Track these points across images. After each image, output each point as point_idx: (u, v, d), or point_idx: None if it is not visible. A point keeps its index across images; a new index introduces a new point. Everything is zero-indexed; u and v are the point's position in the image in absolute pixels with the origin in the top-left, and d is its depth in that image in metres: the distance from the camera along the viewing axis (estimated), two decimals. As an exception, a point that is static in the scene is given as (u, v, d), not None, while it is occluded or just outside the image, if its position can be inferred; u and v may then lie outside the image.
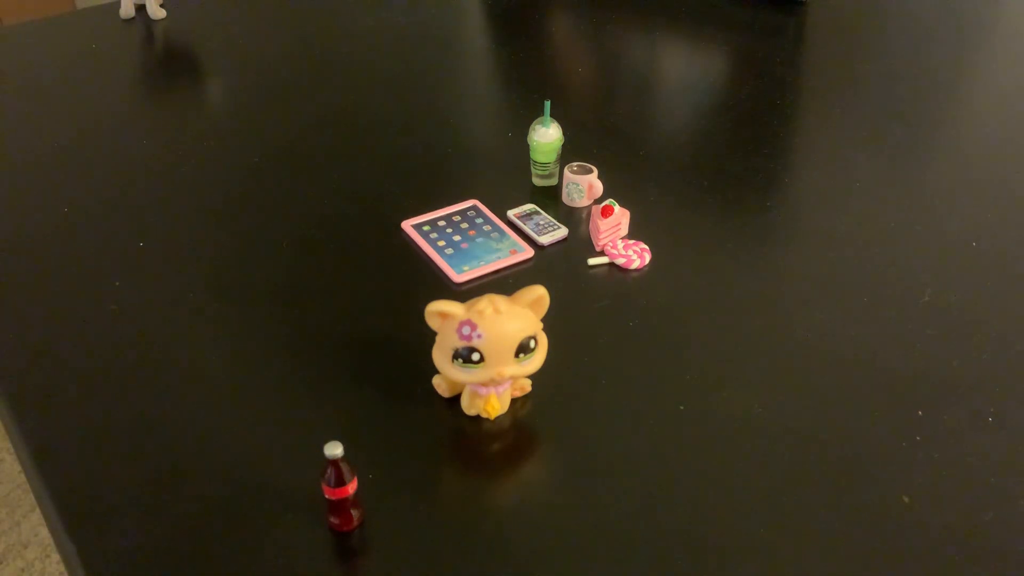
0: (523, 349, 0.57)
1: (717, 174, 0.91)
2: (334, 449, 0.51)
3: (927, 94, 1.08)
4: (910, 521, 0.55)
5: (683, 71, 1.14)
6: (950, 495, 0.57)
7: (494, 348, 0.56)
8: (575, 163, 0.84)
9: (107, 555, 0.53)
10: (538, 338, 0.59)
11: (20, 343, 0.69)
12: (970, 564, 0.53)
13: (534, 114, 0.90)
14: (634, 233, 0.81)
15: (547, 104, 0.84)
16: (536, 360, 0.59)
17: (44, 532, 1.70)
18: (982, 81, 1.13)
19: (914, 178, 0.91)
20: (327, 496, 0.52)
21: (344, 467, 0.51)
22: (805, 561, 0.52)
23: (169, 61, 1.16)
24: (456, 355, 0.57)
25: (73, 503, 0.56)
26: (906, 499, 0.56)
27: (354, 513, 0.54)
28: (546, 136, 0.84)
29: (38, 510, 1.66)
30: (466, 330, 0.56)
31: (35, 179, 0.90)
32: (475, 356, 0.56)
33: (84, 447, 0.60)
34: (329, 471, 0.51)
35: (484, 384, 0.59)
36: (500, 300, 0.57)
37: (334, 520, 0.54)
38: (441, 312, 0.57)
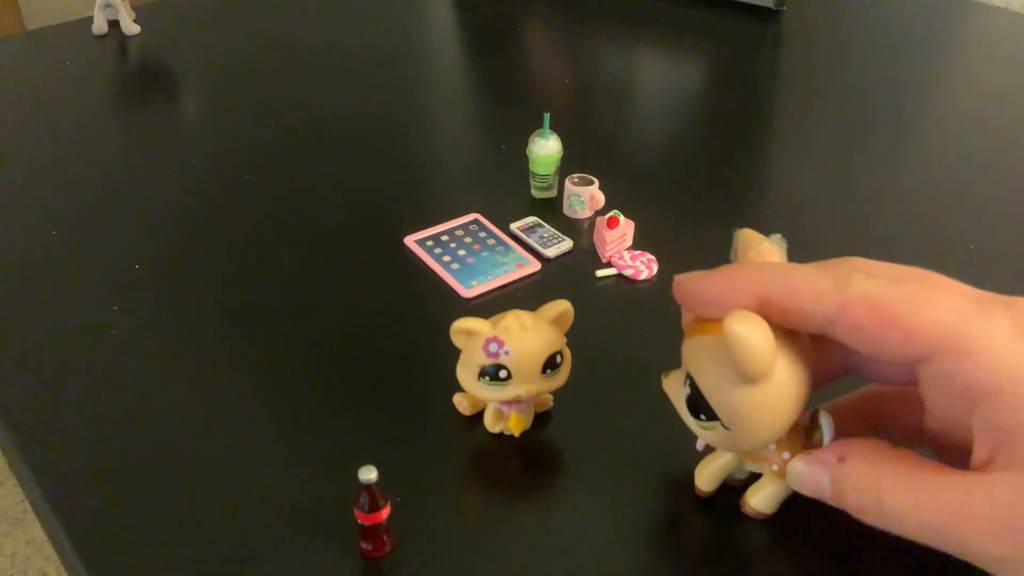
0: (550, 364, 0.57)
1: (713, 183, 0.91)
2: (368, 474, 0.49)
3: (912, 99, 1.10)
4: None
5: (669, 81, 1.14)
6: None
7: (521, 365, 0.56)
8: (576, 175, 0.84)
9: (129, 590, 0.51)
10: (564, 353, 0.58)
11: (21, 373, 0.66)
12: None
13: (525, 126, 0.90)
14: (638, 244, 0.80)
15: (547, 116, 0.84)
16: (562, 375, 0.58)
17: (6, 562, 1.64)
18: (964, 85, 1.15)
19: (908, 183, 0.92)
20: (360, 522, 0.51)
21: (378, 492, 0.50)
22: (838, 567, 0.52)
23: (147, 77, 1.14)
24: (483, 373, 0.56)
25: (91, 538, 0.54)
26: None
27: (386, 539, 0.52)
28: (546, 148, 0.84)
29: (11, 535, 1.61)
30: (493, 347, 0.55)
31: (18, 201, 0.87)
32: (502, 373, 0.55)
33: (96, 480, 0.58)
34: (363, 496, 0.50)
35: (510, 402, 0.58)
36: (526, 316, 0.56)
37: (366, 546, 0.52)
38: (466, 329, 0.56)
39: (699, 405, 0.48)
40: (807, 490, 0.48)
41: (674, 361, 0.68)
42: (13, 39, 1.27)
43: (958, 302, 0.41)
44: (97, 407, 0.63)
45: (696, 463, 0.59)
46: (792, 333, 0.46)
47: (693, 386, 0.48)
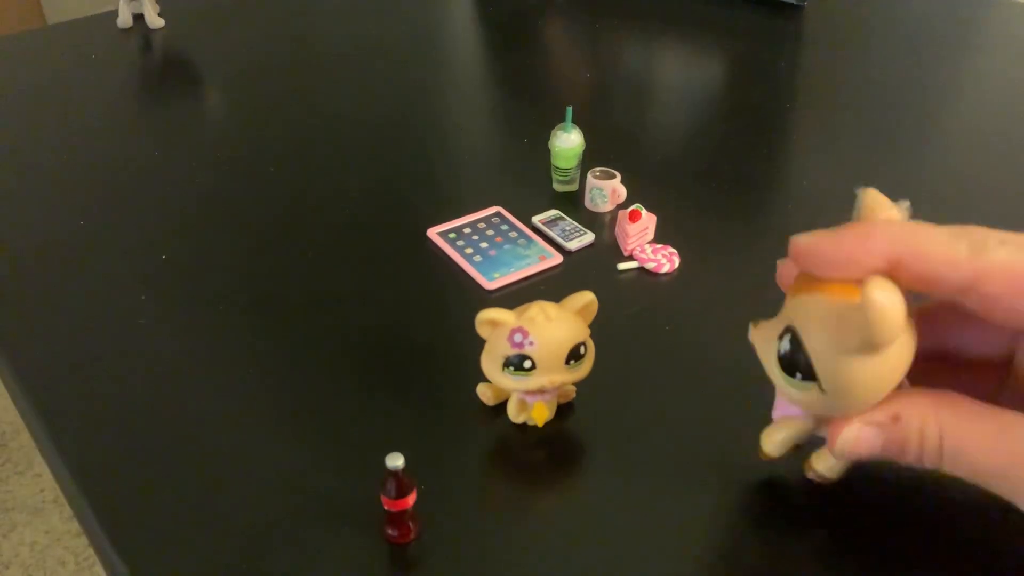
0: (574, 355, 0.57)
1: (736, 178, 0.91)
2: (395, 460, 0.50)
3: (936, 95, 1.10)
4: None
5: (690, 76, 1.14)
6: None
7: (546, 355, 0.56)
8: (597, 168, 0.84)
9: (157, 567, 0.52)
10: (587, 344, 0.58)
11: (50, 362, 0.67)
12: None
13: (546, 120, 0.90)
14: (659, 238, 0.81)
15: (569, 110, 0.84)
16: (585, 366, 0.59)
17: (25, 551, 1.66)
18: (988, 81, 1.15)
19: (931, 179, 0.92)
20: (386, 508, 0.51)
21: (404, 478, 0.51)
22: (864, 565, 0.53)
23: (172, 70, 1.15)
24: (507, 363, 0.56)
25: (121, 524, 0.55)
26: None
27: (412, 525, 0.53)
28: (568, 142, 0.84)
29: (18, 529, 1.63)
30: (518, 337, 0.56)
31: (46, 193, 0.88)
32: (527, 364, 0.56)
33: (126, 466, 0.59)
34: (389, 482, 0.51)
35: (533, 392, 0.58)
36: (550, 307, 0.57)
37: (392, 532, 0.53)
38: (492, 320, 0.56)
39: (798, 363, 0.46)
40: (861, 455, 0.46)
41: (695, 353, 0.68)
42: (38, 32, 1.28)
43: None
44: (125, 395, 0.64)
45: (720, 457, 0.59)
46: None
47: (795, 343, 0.45)
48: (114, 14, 1.24)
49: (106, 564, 0.54)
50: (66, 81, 1.11)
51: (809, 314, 0.45)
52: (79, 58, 1.17)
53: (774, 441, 0.53)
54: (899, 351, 0.44)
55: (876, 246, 0.43)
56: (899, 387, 0.47)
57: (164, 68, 1.16)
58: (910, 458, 0.45)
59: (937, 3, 1.38)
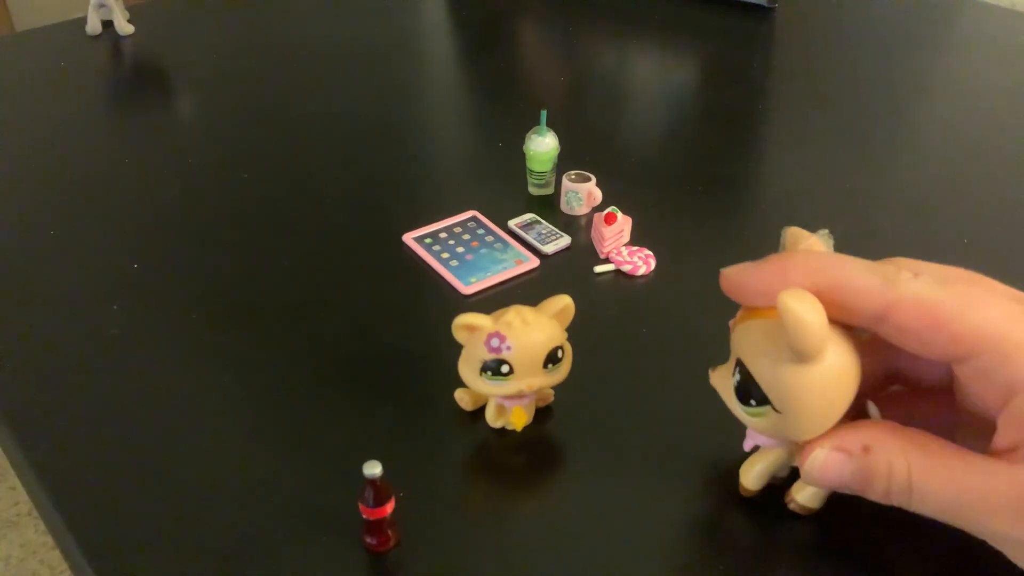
0: (551, 359, 0.57)
1: (710, 179, 0.92)
2: (373, 468, 0.50)
3: (906, 95, 1.11)
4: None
5: (664, 79, 1.15)
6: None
7: (523, 359, 0.56)
8: (573, 171, 0.84)
9: (135, 586, 0.51)
10: (564, 348, 0.58)
11: (22, 373, 0.66)
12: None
13: (521, 123, 0.90)
14: (635, 240, 0.81)
15: (543, 113, 0.84)
16: (563, 370, 0.59)
17: (0, 565, 1.64)
18: (957, 81, 1.16)
19: (902, 178, 0.93)
20: (364, 516, 0.51)
21: (382, 486, 0.50)
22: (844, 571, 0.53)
23: (142, 77, 1.14)
24: (485, 368, 0.56)
25: (94, 538, 0.54)
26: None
27: (391, 533, 0.53)
28: (543, 145, 0.84)
29: (5, 538, 1.60)
30: (495, 342, 0.55)
31: (15, 203, 0.87)
32: (504, 368, 0.56)
33: (100, 478, 0.58)
34: (367, 490, 0.50)
35: (511, 396, 0.58)
36: (527, 311, 0.57)
37: (371, 540, 0.52)
38: (469, 325, 0.56)
39: (749, 390, 0.48)
40: (828, 481, 0.47)
41: (672, 355, 0.68)
42: (5, 39, 1.27)
43: (1004, 306, 0.42)
44: (98, 406, 0.63)
45: (699, 456, 0.59)
46: (845, 326, 0.46)
47: (743, 371, 0.48)
48: (83, 21, 1.23)
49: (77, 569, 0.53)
50: (35, 89, 1.09)
51: (748, 340, 0.48)
52: (48, 65, 1.15)
53: (750, 476, 0.54)
54: (838, 363, 0.45)
55: (793, 276, 0.45)
56: (869, 418, 0.48)
57: (134, 75, 1.15)
58: (877, 491, 0.46)
59: (908, 4, 1.40)
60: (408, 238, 0.80)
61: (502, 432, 0.61)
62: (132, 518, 0.55)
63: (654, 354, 0.69)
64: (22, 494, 1.80)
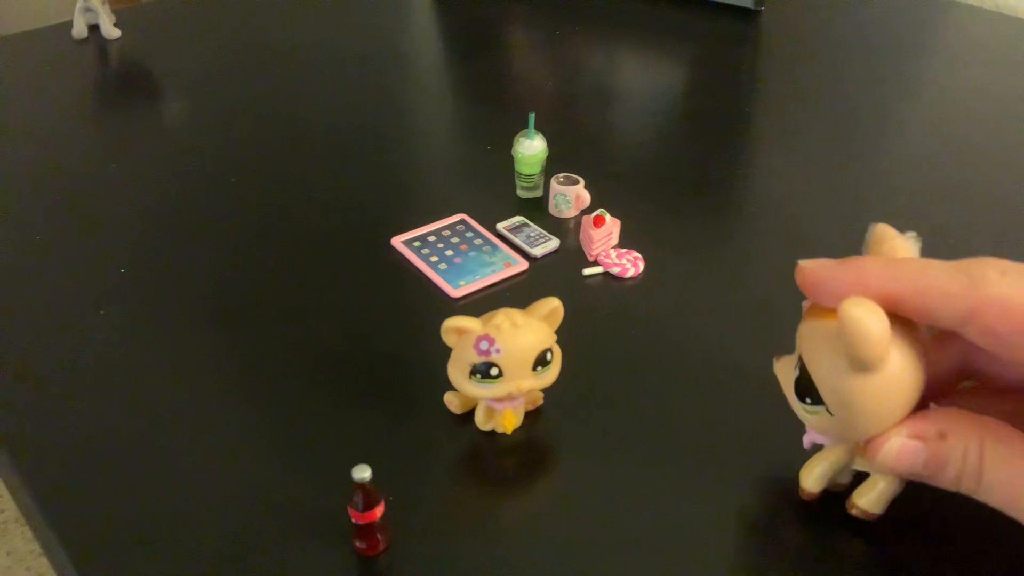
0: (540, 362, 0.57)
1: (698, 181, 0.92)
2: (362, 472, 0.50)
3: (893, 97, 1.12)
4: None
5: (651, 81, 1.15)
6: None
7: (513, 362, 0.56)
8: (561, 174, 0.85)
9: (123, 594, 0.51)
10: (554, 350, 0.58)
11: (7, 380, 0.66)
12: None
13: (509, 127, 0.90)
14: (624, 242, 0.81)
15: (531, 116, 0.84)
16: (552, 372, 0.59)
17: (2, 563, 1.63)
18: (944, 82, 1.17)
19: (890, 178, 0.94)
20: (354, 520, 0.51)
21: (372, 490, 0.50)
22: (834, 557, 0.53)
23: (128, 81, 1.13)
24: (474, 371, 0.56)
25: (82, 545, 0.54)
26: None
27: (380, 537, 0.52)
28: (531, 148, 0.84)
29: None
30: (484, 345, 0.55)
31: (2, 207, 0.86)
32: (494, 371, 0.56)
33: (88, 485, 0.57)
34: (357, 495, 0.50)
35: (500, 399, 0.58)
36: (516, 313, 0.57)
37: (360, 545, 0.52)
38: (458, 328, 0.56)
39: (807, 388, 0.47)
40: (902, 468, 0.46)
41: (661, 357, 0.69)
42: (-10, 44, 1.26)
43: None
44: (85, 412, 0.63)
45: (689, 458, 0.59)
46: (911, 326, 0.45)
47: (803, 368, 0.48)
48: (69, 25, 1.22)
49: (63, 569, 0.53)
50: (20, 94, 1.09)
51: (811, 338, 0.47)
52: (33, 70, 1.15)
53: (811, 477, 0.54)
54: (898, 371, 0.44)
55: (871, 282, 0.44)
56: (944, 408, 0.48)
57: (120, 79, 1.15)
58: (948, 478, 0.45)
59: (893, 6, 1.40)
60: (396, 241, 0.80)
61: (492, 435, 0.61)
62: (120, 525, 0.55)
63: (643, 356, 0.69)
64: (9, 502, 1.79)
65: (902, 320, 0.45)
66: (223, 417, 0.63)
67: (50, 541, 0.55)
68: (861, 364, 0.43)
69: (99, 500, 0.56)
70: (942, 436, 0.45)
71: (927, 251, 0.81)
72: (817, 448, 0.54)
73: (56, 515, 0.55)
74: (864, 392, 0.45)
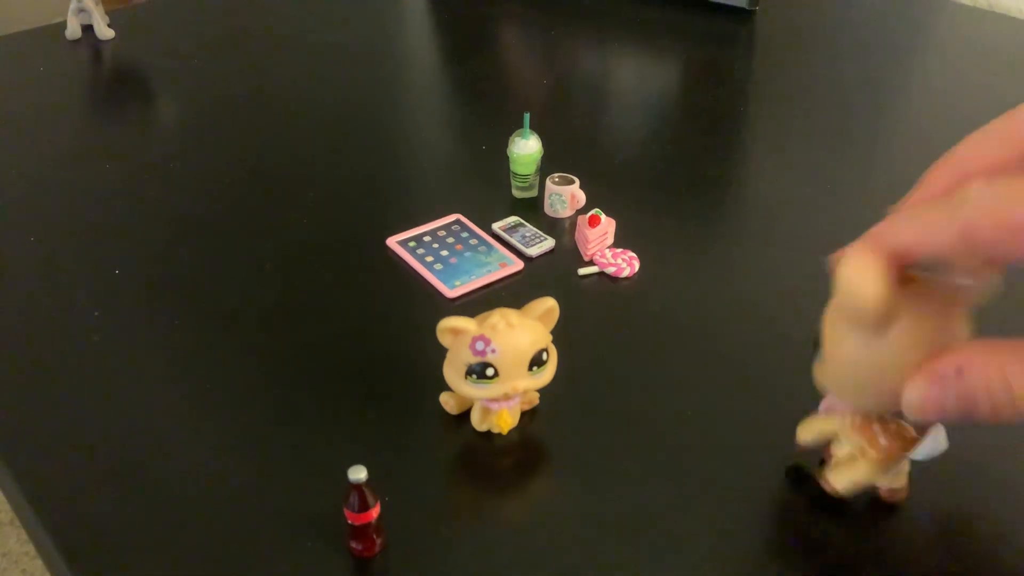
0: (536, 362, 0.57)
1: (693, 181, 0.92)
2: (358, 473, 0.50)
3: (886, 96, 1.12)
4: (913, 509, 0.56)
5: (646, 81, 1.15)
6: (951, 482, 0.58)
7: (508, 362, 0.56)
8: (556, 174, 0.85)
9: (119, 596, 0.51)
10: (549, 350, 0.58)
11: (4, 381, 0.65)
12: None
13: (504, 126, 0.90)
14: (619, 242, 0.81)
15: (527, 116, 0.84)
16: (548, 372, 0.59)
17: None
18: (937, 82, 1.17)
19: (882, 177, 0.94)
20: (350, 521, 0.51)
21: (367, 491, 0.50)
22: (824, 560, 0.53)
23: (122, 82, 1.13)
24: (470, 371, 0.56)
25: (76, 546, 0.53)
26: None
27: (376, 538, 0.52)
28: (526, 148, 0.84)
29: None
30: (480, 345, 0.55)
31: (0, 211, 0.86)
32: (489, 371, 0.56)
33: (83, 485, 0.57)
34: (352, 496, 0.50)
35: (496, 399, 0.58)
36: (512, 314, 0.57)
37: (356, 546, 0.52)
38: (453, 328, 0.56)
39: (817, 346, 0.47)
40: (932, 414, 0.43)
41: (656, 355, 0.69)
42: (-16, 44, 1.25)
43: None
44: (80, 412, 0.63)
45: (684, 454, 0.60)
46: (943, 310, 0.43)
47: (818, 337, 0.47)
48: (63, 25, 1.22)
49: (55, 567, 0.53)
50: (13, 94, 1.08)
51: (832, 302, 0.46)
52: (25, 71, 1.14)
53: (806, 429, 0.55)
54: (896, 343, 0.42)
55: (876, 242, 0.43)
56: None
57: (114, 80, 1.14)
58: (984, 412, 0.42)
59: (887, 6, 1.41)
60: (392, 241, 0.80)
61: (488, 436, 0.61)
62: (115, 525, 0.54)
63: (638, 355, 0.69)
64: (3, 503, 1.78)
65: (924, 289, 0.43)
66: (216, 417, 0.62)
67: (44, 542, 0.54)
68: (854, 319, 0.42)
69: (93, 501, 0.56)
70: (959, 372, 0.42)
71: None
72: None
73: (50, 516, 0.55)
74: (853, 354, 0.44)
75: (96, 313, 0.72)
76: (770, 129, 1.05)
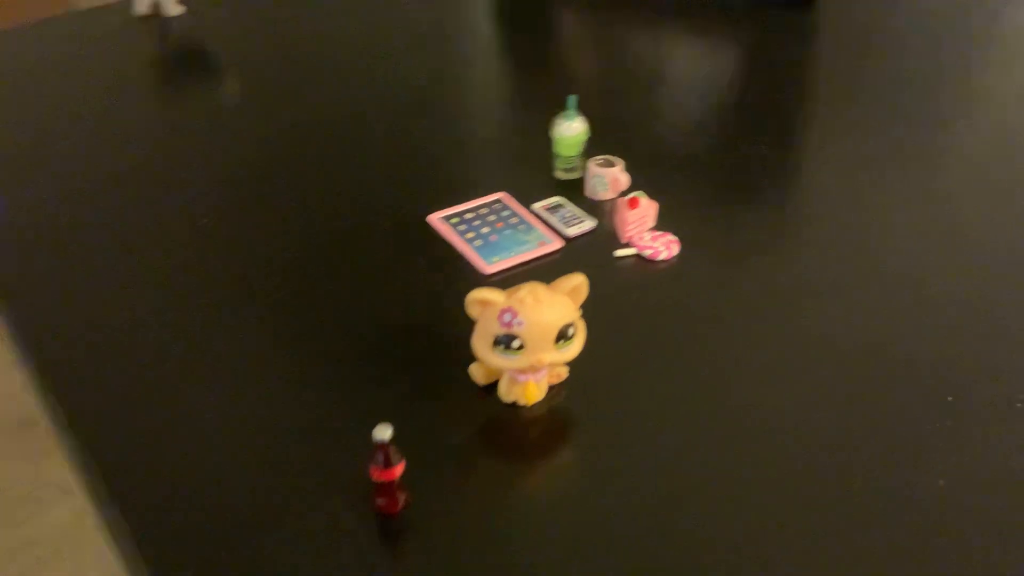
0: (562, 336, 0.58)
1: (737, 169, 0.92)
2: (383, 432, 0.52)
3: (938, 93, 1.09)
4: (947, 504, 0.56)
5: (699, 67, 1.15)
6: (985, 477, 0.58)
7: (534, 335, 0.57)
8: (599, 156, 0.85)
9: (163, 535, 0.54)
10: (576, 325, 0.60)
11: (71, 344, 0.69)
12: (1004, 545, 0.54)
13: (554, 109, 0.91)
14: (661, 225, 0.82)
15: (572, 98, 0.85)
16: (575, 347, 0.60)
17: (54, 530, 1.70)
18: (992, 80, 1.14)
19: (928, 175, 0.92)
20: (375, 478, 0.53)
21: (392, 450, 0.52)
22: (841, 545, 0.53)
23: (184, 57, 1.17)
24: (497, 342, 0.58)
25: (126, 487, 0.57)
26: (941, 483, 0.57)
27: (400, 496, 0.54)
28: (570, 130, 0.85)
29: (48, 508, 1.67)
30: (507, 317, 0.57)
31: (59, 170, 0.91)
32: (515, 343, 0.57)
33: (134, 434, 0.61)
34: (378, 454, 0.52)
35: (523, 371, 0.60)
36: (540, 288, 0.58)
37: (381, 502, 0.54)
38: (482, 300, 0.58)
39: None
40: None
41: (686, 338, 0.69)
42: (59, 19, 1.31)
43: None
44: (137, 374, 0.66)
45: (709, 425, 0.60)
46: None
47: None
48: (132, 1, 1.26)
49: (113, 529, 0.56)
50: (85, 68, 1.13)
51: None
52: (97, 44, 1.19)
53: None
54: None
55: None
56: None
57: (181, 55, 1.18)
58: None
59: (949, 2, 1.37)
60: (434, 218, 0.82)
61: (514, 407, 0.63)
62: (158, 475, 0.58)
63: (670, 337, 0.70)
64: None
65: None
66: (260, 379, 0.65)
67: (96, 483, 0.58)
68: None
69: (145, 451, 0.59)
70: None
71: (971, 246, 0.79)
72: None
73: (104, 462, 0.59)
74: None
75: (157, 277, 0.75)
76: (821, 121, 1.03)
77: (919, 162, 0.94)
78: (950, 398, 0.64)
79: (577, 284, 0.59)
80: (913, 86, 1.09)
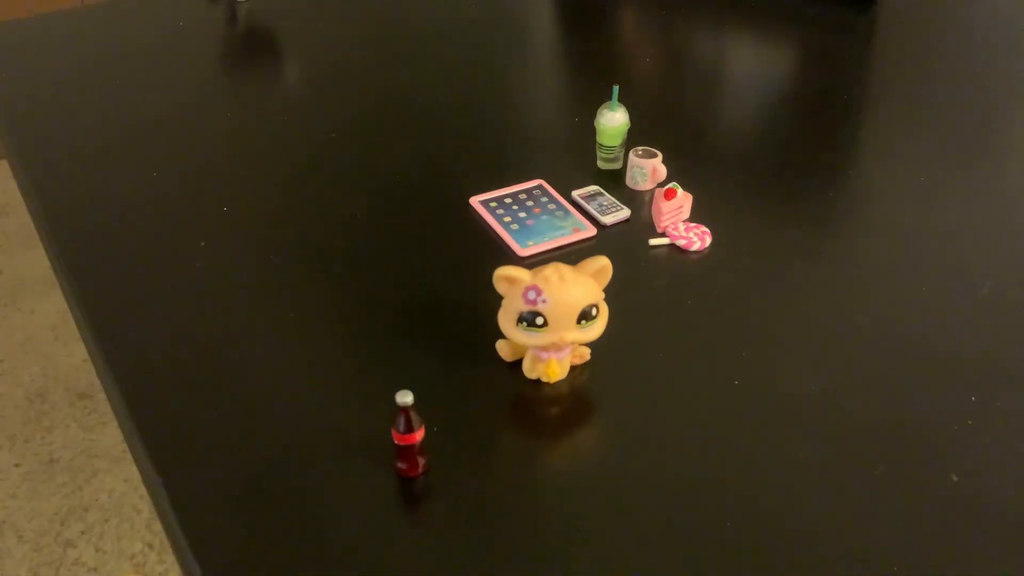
0: (585, 316, 0.60)
1: (780, 164, 0.92)
2: (404, 397, 0.54)
3: (994, 96, 1.08)
4: (958, 498, 0.56)
5: (750, 63, 1.15)
6: (999, 475, 0.58)
7: (558, 313, 0.59)
8: (640, 147, 0.87)
9: (191, 488, 0.57)
10: (600, 307, 0.61)
11: (115, 296, 0.74)
12: (1018, 540, 0.54)
13: (600, 100, 0.92)
14: (695, 217, 0.82)
15: (615, 89, 0.86)
16: (597, 328, 0.61)
17: (104, 497, 1.77)
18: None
19: (977, 176, 0.91)
20: (396, 442, 0.56)
21: (413, 415, 0.55)
22: (855, 534, 0.54)
23: (251, 40, 1.21)
24: (521, 319, 0.60)
25: (160, 443, 0.60)
26: (954, 478, 0.57)
27: (420, 460, 0.57)
28: (613, 120, 0.87)
29: (99, 475, 1.74)
30: (531, 295, 0.59)
31: (129, 148, 0.95)
32: (539, 320, 0.59)
33: (172, 393, 0.64)
34: (399, 418, 0.55)
35: (546, 348, 0.62)
36: (565, 268, 0.60)
37: (401, 465, 0.57)
38: (508, 277, 0.60)
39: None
40: None
41: (714, 328, 0.70)
42: (129, 3, 1.36)
43: None
44: (179, 330, 0.70)
45: (730, 414, 0.61)
46: None
47: None
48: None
49: (147, 480, 0.60)
50: (153, 48, 1.18)
51: None
52: (167, 27, 1.24)
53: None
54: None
55: None
56: None
57: (246, 39, 1.23)
58: None
59: (1012, 5, 1.34)
60: (474, 201, 0.84)
61: (537, 384, 0.65)
62: (195, 426, 0.61)
63: (697, 326, 0.71)
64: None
65: None
66: (294, 342, 0.68)
67: (134, 439, 0.62)
68: None
69: (179, 403, 0.63)
70: None
71: (1018, 247, 0.78)
72: None
73: (142, 414, 0.62)
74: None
75: (202, 243, 0.79)
76: (871, 120, 1.03)
77: (977, 163, 0.93)
78: (973, 398, 0.63)
79: (602, 266, 0.61)
80: (969, 89, 1.08)
